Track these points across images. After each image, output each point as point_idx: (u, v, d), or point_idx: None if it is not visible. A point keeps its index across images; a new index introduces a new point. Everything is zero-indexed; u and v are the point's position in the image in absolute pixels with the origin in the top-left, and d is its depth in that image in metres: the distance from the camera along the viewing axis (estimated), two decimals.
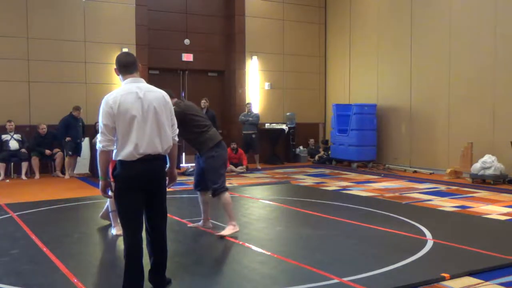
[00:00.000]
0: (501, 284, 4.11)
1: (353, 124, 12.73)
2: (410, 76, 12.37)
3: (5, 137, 10.90)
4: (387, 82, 13.07)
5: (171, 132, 3.84)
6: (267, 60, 14.24)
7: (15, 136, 10.97)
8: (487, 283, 4.14)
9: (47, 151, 11.03)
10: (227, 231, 5.64)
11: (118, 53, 13.12)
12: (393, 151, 12.89)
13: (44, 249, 5.18)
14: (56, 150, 11.16)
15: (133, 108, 3.62)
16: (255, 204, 7.84)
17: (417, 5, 12.17)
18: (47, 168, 11.39)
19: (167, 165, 3.96)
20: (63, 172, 11.19)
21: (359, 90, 13.93)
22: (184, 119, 5.31)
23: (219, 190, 5.55)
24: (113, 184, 3.83)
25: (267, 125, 14.00)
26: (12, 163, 10.95)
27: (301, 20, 14.72)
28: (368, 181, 10.40)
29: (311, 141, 14.71)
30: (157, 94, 3.80)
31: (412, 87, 12.36)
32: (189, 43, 13.31)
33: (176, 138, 3.95)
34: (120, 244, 5.50)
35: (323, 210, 7.12)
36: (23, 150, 10.89)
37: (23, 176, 10.77)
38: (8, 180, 10.52)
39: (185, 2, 13.41)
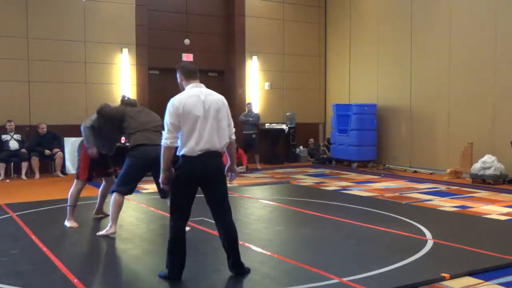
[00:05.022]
0: (501, 284, 4.11)
1: (353, 124, 12.73)
2: (410, 76, 12.37)
3: (5, 137, 10.90)
4: (387, 82, 13.06)
5: (228, 131, 4.29)
6: (267, 60, 14.24)
7: (15, 136, 10.97)
8: (487, 283, 4.14)
9: (47, 151, 11.03)
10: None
11: (118, 53, 13.13)
12: (393, 151, 12.89)
13: (44, 249, 5.17)
14: (56, 150, 11.16)
15: (196, 109, 4.12)
16: (255, 204, 7.84)
17: (417, 5, 12.17)
18: (47, 168, 11.38)
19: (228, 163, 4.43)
20: (63, 172, 11.20)
21: (359, 90, 13.92)
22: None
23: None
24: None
25: (267, 125, 14.00)
26: (12, 163, 10.95)
27: (301, 20, 14.71)
28: (368, 181, 10.40)
29: (311, 140, 14.71)
30: (216, 97, 4.31)
31: (412, 87, 12.36)
32: (189, 43, 13.31)
33: (233, 137, 4.37)
34: (120, 243, 5.51)
35: (323, 210, 7.12)
36: (23, 150, 10.89)
37: (23, 176, 10.77)
38: (8, 180, 10.53)
39: (185, 2, 13.41)
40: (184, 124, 4.09)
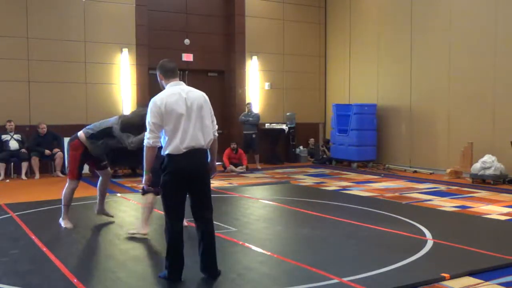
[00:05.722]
0: (501, 284, 4.11)
1: (353, 124, 12.72)
2: (410, 76, 12.37)
3: (5, 137, 10.90)
4: (387, 82, 13.06)
5: (212, 127, 4.28)
6: (267, 60, 14.24)
7: (15, 136, 10.97)
8: (487, 283, 4.13)
9: (47, 151, 11.03)
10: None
11: (118, 53, 13.10)
12: (393, 151, 12.89)
13: (44, 249, 5.17)
14: (55, 150, 11.17)
15: (178, 107, 4.07)
16: (255, 204, 7.84)
17: (417, 5, 12.17)
18: (47, 168, 11.38)
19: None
20: (63, 172, 11.20)
21: (359, 90, 13.92)
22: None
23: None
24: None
25: (267, 125, 14.00)
26: (12, 163, 10.94)
27: (301, 20, 14.71)
28: (368, 181, 10.40)
29: (311, 140, 14.71)
30: (198, 94, 4.25)
31: (412, 87, 12.35)
32: (189, 43, 13.31)
33: (216, 134, 4.35)
34: (120, 244, 5.50)
35: (323, 210, 7.12)
36: (23, 150, 10.89)
37: (23, 176, 10.76)
38: (8, 180, 10.53)
39: (185, 2, 13.40)
40: (167, 123, 4.05)
